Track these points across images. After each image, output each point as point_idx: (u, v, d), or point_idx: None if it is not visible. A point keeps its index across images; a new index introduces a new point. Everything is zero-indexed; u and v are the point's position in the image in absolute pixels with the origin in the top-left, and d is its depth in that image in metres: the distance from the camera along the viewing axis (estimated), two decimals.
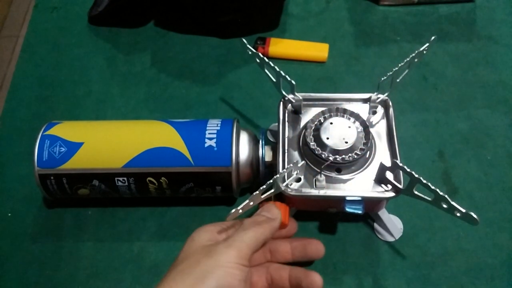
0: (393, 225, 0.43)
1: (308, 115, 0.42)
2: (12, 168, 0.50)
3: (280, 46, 0.57)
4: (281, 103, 0.42)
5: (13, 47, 1.60)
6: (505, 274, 0.41)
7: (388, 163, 0.36)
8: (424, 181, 0.32)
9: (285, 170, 0.36)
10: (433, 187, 0.32)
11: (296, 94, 0.41)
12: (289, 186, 0.37)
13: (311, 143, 0.38)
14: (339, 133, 0.38)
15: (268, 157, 0.42)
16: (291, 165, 0.36)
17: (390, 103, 0.41)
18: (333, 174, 0.38)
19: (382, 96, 0.41)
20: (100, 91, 0.55)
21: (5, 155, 0.51)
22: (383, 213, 0.42)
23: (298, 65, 0.56)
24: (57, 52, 0.59)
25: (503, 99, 0.52)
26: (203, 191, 0.43)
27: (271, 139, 0.44)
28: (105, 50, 0.59)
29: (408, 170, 0.33)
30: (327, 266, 0.42)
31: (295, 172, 0.37)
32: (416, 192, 0.34)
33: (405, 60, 0.38)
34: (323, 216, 0.44)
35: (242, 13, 0.56)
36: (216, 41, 0.59)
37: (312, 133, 0.39)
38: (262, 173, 0.42)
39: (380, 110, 0.42)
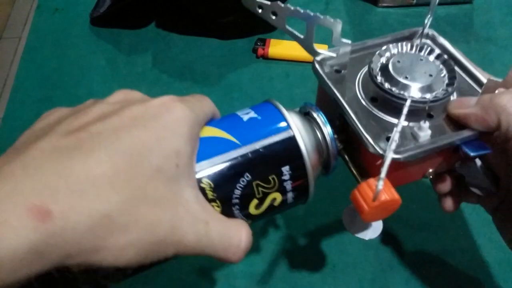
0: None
1: (352, 73, 0.33)
2: None
3: (280, 47, 0.57)
4: (316, 64, 0.33)
5: (15, 48, 1.60)
6: (505, 273, 0.42)
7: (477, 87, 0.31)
8: None
9: (397, 129, 0.26)
10: None
11: (343, 39, 0.31)
12: (394, 150, 0.27)
13: (393, 89, 0.29)
14: (416, 69, 0.30)
15: (337, 131, 0.31)
16: (400, 123, 0.27)
17: (436, 33, 0.35)
18: (428, 123, 0.29)
19: (425, 30, 0.34)
20: (102, 92, 0.56)
21: None
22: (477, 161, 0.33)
23: (298, 66, 0.57)
24: (59, 53, 0.60)
25: None
26: (267, 186, 0.28)
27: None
28: (107, 51, 0.60)
29: None
30: (327, 266, 0.43)
31: (398, 130, 0.27)
32: None
33: None
34: (323, 216, 0.45)
35: (243, 14, 0.57)
36: (217, 42, 0.59)
37: (384, 79, 0.30)
38: (333, 154, 0.30)
39: (427, 45, 0.33)
